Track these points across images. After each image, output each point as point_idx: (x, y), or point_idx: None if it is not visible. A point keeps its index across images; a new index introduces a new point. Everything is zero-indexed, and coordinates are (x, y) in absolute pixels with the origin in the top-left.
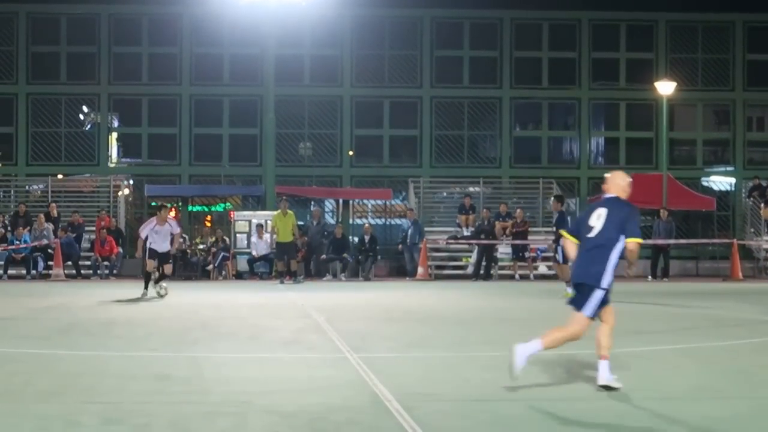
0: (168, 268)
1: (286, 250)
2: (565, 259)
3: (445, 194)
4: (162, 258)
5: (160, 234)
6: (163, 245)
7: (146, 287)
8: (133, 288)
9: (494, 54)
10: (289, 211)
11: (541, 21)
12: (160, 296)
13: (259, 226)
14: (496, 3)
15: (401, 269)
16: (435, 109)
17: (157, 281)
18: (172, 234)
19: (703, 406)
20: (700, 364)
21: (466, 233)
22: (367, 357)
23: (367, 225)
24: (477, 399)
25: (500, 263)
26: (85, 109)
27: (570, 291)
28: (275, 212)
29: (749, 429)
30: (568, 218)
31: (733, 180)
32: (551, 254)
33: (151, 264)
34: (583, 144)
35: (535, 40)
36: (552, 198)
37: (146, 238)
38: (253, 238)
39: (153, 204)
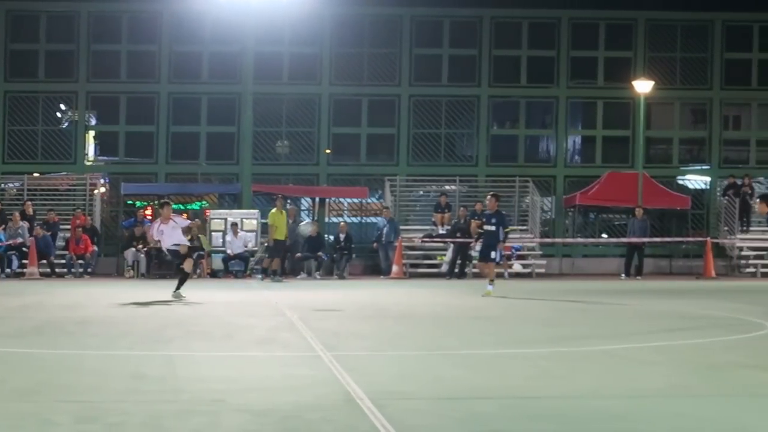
0: (188, 264)
1: (284, 248)
2: (502, 258)
3: (421, 192)
4: (179, 255)
5: (167, 233)
6: (176, 243)
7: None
8: (108, 287)
9: (473, 52)
10: (284, 210)
11: (520, 19)
12: (178, 298)
13: (234, 225)
14: (476, 1)
15: (376, 267)
16: (413, 108)
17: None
18: (181, 228)
19: (676, 404)
20: (673, 361)
21: (441, 231)
22: (341, 355)
23: (342, 223)
24: (450, 397)
25: (474, 261)
26: (62, 106)
27: (491, 289)
28: (273, 210)
29: (721, 427)
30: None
31: (708, 178)
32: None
33: (189, 263)
34: (560, 142)
35: (515, 39)
36: (489, 196)
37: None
38: (228, 237)
39: (129, 202)
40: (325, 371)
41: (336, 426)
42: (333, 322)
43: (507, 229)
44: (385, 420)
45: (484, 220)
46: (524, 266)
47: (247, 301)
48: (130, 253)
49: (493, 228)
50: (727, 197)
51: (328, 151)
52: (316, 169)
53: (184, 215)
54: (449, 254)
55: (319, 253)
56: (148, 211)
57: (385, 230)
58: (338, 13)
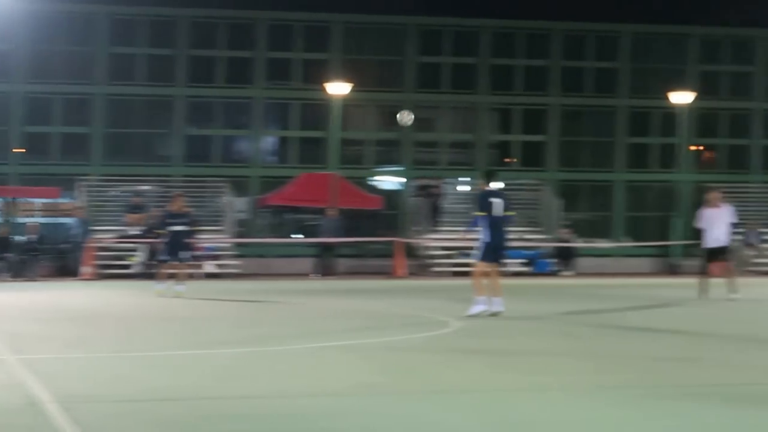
0: None
1: None
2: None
3: (115, 193)
4: None
5: None
6: None
7: None
8: None
9: (169, 52)
10: None
11: (218, 20)
12: None
13: None
14: (172, 1)
15: (67, 269)
16: (108, 107)
17: None
18: None
19: (362, 402)
20: (361, 360)
21: (134, 232)
22: (26, 359)
23: (33, 224)
24: (137, 399)
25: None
26: None
27: (181, 289)
28: None
29: (407, 423)
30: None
31: (401, 179)
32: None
33: None
34: (255, 143)
35: (212, 39)
36: (175, 196)
37: None
38: None
39: None
40: (8, 375)
41: (19, 431)
42: (20, 324)
43: (195, 229)
44: (71, 423)
45: (170, 220)
46: (218, 266)
47: None
48: None
49: (180, 228)
50: (418, 198)
51: (19, 150)
52: (7, 168)
53: None
54: (140, 255)
55: (8, 255)
56: None
57: (76, 230)
58: (34, 10)
